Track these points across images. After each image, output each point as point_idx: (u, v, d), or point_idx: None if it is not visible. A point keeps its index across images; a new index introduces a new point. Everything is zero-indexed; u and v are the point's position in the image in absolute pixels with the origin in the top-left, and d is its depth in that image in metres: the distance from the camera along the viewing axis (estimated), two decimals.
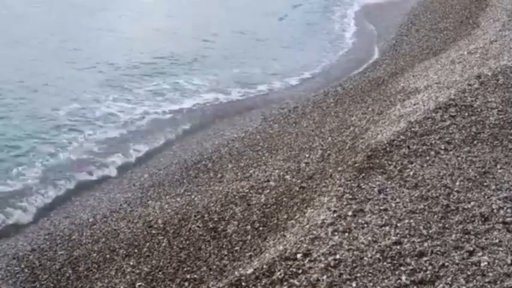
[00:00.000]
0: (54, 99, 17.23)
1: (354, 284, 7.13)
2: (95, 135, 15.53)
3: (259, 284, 7.38)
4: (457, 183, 9.26)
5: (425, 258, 7.51)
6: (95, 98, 17.73)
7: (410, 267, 7.37)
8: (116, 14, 27.62)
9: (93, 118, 16.40)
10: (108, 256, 10.47)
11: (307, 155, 12.45)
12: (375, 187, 9.20)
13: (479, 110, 11.99)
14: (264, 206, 10.48)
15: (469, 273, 7.26)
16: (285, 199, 10.43)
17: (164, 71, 20.51)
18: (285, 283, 7.26)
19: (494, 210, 8.55)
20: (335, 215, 8.53)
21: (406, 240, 7.86)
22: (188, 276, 9.21)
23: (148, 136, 15.87)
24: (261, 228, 9.79)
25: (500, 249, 7.69)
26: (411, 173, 9.62)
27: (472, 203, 8.73)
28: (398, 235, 7.96)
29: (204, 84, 19.49)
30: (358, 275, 7.27)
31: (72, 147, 14.81)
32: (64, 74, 19.25)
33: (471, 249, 7.69)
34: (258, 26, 27.05)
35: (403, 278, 7.20)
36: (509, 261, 7.43)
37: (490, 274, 7.24)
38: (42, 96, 17.37)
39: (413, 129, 11.23)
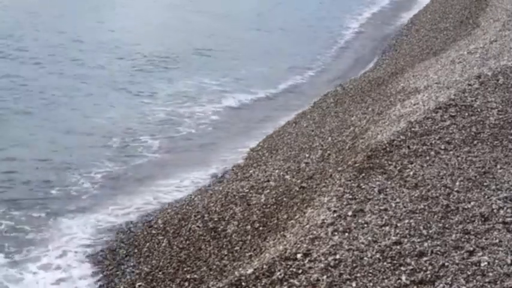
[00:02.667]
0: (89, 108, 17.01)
1: (354, 284, 7.13)
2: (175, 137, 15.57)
3: (259, 284, 7.38)
4: (457, 183, 9.26)
5: (425, 258, 7.51)
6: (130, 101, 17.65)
7: (410, 267, 7.36)
8: (120, 10, 27.62)
9: (153, 123, 16.20)
10: None
11: (307, 155, 12.45)
12: (375, 187, 9.20)
13: (479, 110, 11.99)
14: (264, 206, 10.47)
15: (469, 273, 7.26)
16: (285, 199, 10.43)
17: (179, 69, 20.46)
18: (285, 283, 7.26)
19: (494, 210, 8.55)
20: (335, 215, 8.53)
21: (406, 240, 7.86)
22: (188, 276, 9.21)
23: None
24: (261, 228, 9.78)
25: (500, 249, 7.69)
26: (411, 173, 9.62)
27: (472, 203, 8.73)
28: (398, 235, 7.96)
29: (217, 84, 19.42)
30: (358, 275, 7.27)
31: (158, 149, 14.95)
32: (72, 77, 19.09)
33: (471, 249, 7.69)
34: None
35: (403, 278, 7.20)
36: (509, 261, 7.43)
37: (490, 274, 7.24)
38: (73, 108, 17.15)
39: (413, 129, 11.23)
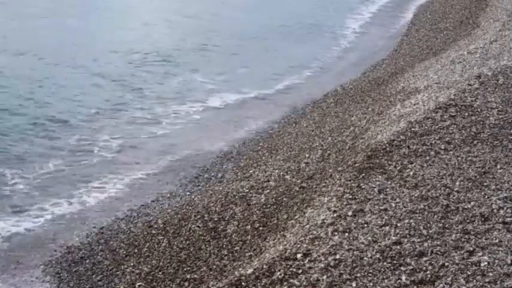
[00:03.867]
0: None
1: (354, 284, 7.13)
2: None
3: (259, 284, 7.38)
4: (457, 183, 9.26)
5: (425, 258, 7.51)
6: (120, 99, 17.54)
7: (410, 267, 7.36)
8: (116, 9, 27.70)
9: (126, 121, 16.01)
10: None
11: (307, 155, 12.45)
12: (375, 187, 9.20)
13: (479, 110, 11.99)
14: (264, 206, 10.47)
15: (469, 273, 7.25)
16: (285, 199, 10.43)
17: (174, 67, 20.41)
18: (285, 283, 7.26)
19: (494, 210, 8.55)
20: (335, 215, 8.53)
21: (406, 240, 7.86)
22: (188, 276, 9.22)
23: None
24: (261, 228, 9.78)
25: (500, 249, 7.69)
26: (411, 173, 9.62)
27: (472, 203, 8.73)
28: (398, 235, 7.96)
29: (210, 82, 19.31)
30: (358, 275, 7.26)
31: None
32: (72, 74, 19.05)
33: (471, 249, 7.69)
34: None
35: (403, 278, 7.20)
36: (509, 261, 7.43)
37: (490, 274, 7.24)
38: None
39: (413, 129, 11.23)
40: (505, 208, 8.58)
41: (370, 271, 7.32)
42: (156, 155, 14.51)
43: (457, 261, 7.45)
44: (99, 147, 14.61)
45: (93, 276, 10.13)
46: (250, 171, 12.68)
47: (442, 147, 10.50)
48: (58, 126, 15.39)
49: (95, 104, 16.83)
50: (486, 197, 8.91)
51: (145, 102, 17.44)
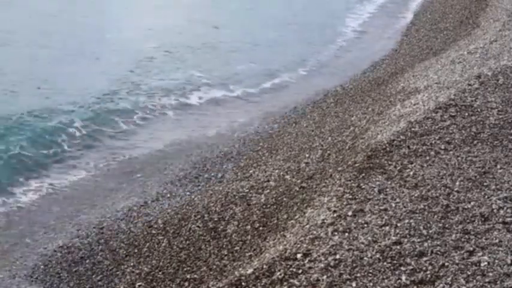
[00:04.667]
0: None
1: (354, 284, 7.13)
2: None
3: (259, 284, 7.38)
4: (457, 183, 9.26)
5: (425, 258, 7.51)
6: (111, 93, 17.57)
7: (410, 267, 7.36)
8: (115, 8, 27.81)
9: (103, 111, 16.07)
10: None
11: (307, 155, 12.45)
12: (375, 187, 9.20)
13: (479, 110, 12.00)
14: (264, 206, 10.48)
15: (469, 273, 7.26)
16: (285, 199, 10.43)
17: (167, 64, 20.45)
18: (285, 283, 7.26)
19: (494, 210, 8.55)
20: (335, 215, 8.53)
21: (406, 240, 7.86)
22: (188, 276, 9.22)
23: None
24: (261, 228, 9.79)
25: (500, 249, 7.69)
26: (411, 173, 9.62)
27: (472, 203, 8.73)
28: (398, 235, 7.96)
29: (205, 77, 19.35)
30: (358, 275, 7.27)
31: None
32: (71, 69, 19.09)
33: (471, 249, 7.69)
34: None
35: (403, 278, 7.20)
36: (509, 261, 7.43)
37: (490, 274, 7.24)
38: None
39: (413, 129, 11.23)
40: (505, 208, 8.58)
41: (370, 271, 7.32)
42: (112, 154, 14.57)
43: (457, 261, 7.45)
44: (62, 139, 14.65)
45: (93, 276, 10.14)
46: (250, 171, 12.69)
47: (442, 147, 10.50)
48: (30, 110, 15.51)
49: (80, 97, 16.91)
50: (486, 197, 8.91)
51: (135, 96, 17.58)
